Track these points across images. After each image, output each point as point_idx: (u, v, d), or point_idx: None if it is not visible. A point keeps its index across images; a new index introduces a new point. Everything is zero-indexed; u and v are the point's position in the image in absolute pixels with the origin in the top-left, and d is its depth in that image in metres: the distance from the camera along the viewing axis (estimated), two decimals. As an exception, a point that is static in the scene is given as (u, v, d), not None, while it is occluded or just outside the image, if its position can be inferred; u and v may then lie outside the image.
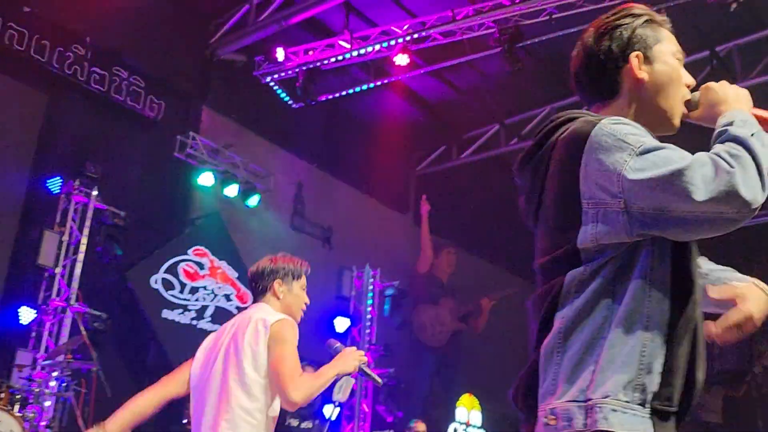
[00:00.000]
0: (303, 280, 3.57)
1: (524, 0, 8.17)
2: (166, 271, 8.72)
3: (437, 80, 10.40)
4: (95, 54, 8.50)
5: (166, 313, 8.62)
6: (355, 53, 9.19)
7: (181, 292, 8.83)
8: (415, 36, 8.85)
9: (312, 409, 7.09)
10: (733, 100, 1.75)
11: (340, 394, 3.25)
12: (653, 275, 1.63)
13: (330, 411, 9.66)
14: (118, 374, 8.10)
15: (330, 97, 10.01)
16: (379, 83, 9.93)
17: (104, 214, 8.19)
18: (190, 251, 9.04)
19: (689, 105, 1.85)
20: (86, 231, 8.07)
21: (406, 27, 8.97)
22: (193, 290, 8.94)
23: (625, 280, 1.63)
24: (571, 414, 1.58)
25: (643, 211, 1.57)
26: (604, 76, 1.81)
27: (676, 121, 1.87)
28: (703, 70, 9.03)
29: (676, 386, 1.62)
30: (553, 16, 8.21)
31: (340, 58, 9.29)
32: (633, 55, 1.78)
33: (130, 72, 8.85)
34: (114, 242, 8.21)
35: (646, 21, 1.82)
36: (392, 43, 8.99)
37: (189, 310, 8.84)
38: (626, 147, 1.60)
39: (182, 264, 8.90)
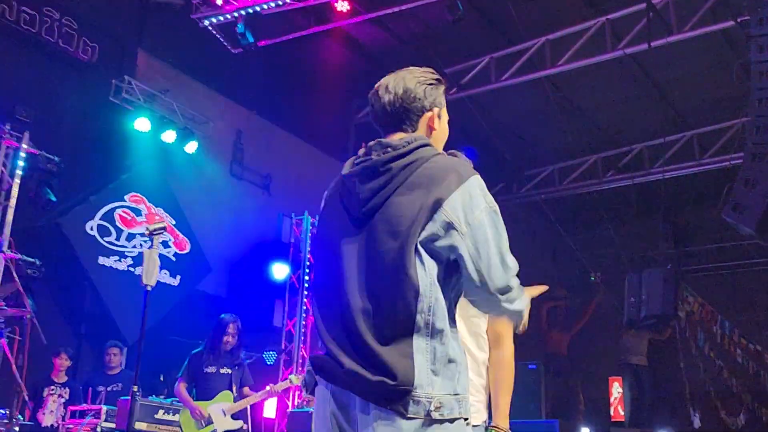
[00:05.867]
0: None
1: (466, -52, 8.14)
2: (101, 218, 8.60)
3: (378, 28, 10.34)
4: (24, -7, 8.20)
5: (103, 260, 8.53)
6: (295, -2, 9.07)
7: (118, 239, 8.73)
8: (356, -18, 8.76)
9: (232, 358, 6.95)
10: None
11: None
12: None
13: (270, 357, 9.78)
14: (53, 321, 8.03)
15: (270, 43, 9.88)
16: (319, 30, 9.83)
17: (36, 159, 7.99)
18: (126, 197, 8.92)
19: None
20: (18, 176, 7.88)
21: (347, -28, 8.87)
22: (130, 237, 8.85)
23: None
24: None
25: None
26: (411, 113, 2.25)
27: None
28: (639, 22, 9.19)
29: None
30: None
31: (280, 3, 9.14)
32: (436, 110, 2.28)
33: (61, 13, 8.57)
34: (47, 188, 8.03)
35: (444, 89, 2.33)
36: (333, -12, 8.89)
37: (126, 257, 8.76)
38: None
39: (118, 210, 8.78)
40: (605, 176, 12.51)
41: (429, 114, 2.28)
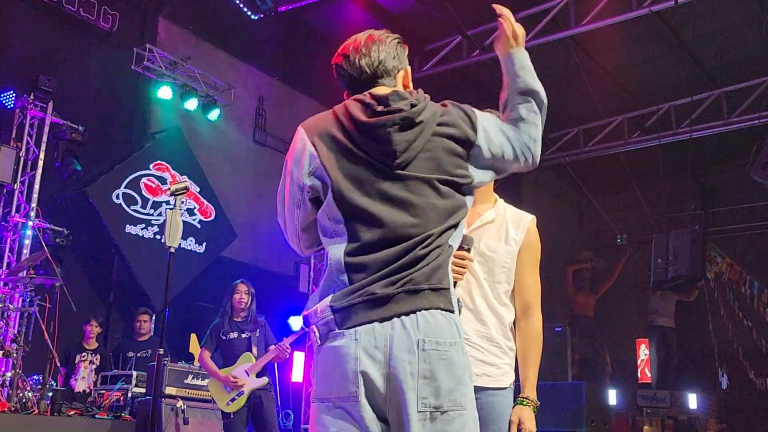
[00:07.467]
0: None
1: None
2: (127, 186, 8.66)
3: (399, -10, 10.22)
4: (44, -38, 8.17)
5: (129, 228, 8.60)
6: (314, -39, 8.97)
7: (144, 207, 8.80)
8: (376, -57, 8.64)
9: (249, 321, 6.85)
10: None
11: None
12: None
13: (297, 322, 9.84)
14: (82, 289, 8.14)
15: (290, 7, 9.79)
16: (339, -7, 9.73)
17: (61, 128, 8.05)
18: (151, 166, 8.96)
19: None
20: (43, 146, 7.95)
21: (366, -66, 8.75)
22: (156, 205, 8.90)
23: None
24: None
25: None
26: (391, 71, 2.34)
27: None
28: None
29: None
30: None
31: (299, -34, 9.06)
32: (408, 67, 2.41)
33: (81, -19, 8.55)
34: (72, 157, 8.10)
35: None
36: (353, -50, 8.77)
37: (152, 225, 8.82)
38: None
39: (143, 179, 8.83)
40: (631, 137, 12.36)
41: (403, 71, 2.38)
